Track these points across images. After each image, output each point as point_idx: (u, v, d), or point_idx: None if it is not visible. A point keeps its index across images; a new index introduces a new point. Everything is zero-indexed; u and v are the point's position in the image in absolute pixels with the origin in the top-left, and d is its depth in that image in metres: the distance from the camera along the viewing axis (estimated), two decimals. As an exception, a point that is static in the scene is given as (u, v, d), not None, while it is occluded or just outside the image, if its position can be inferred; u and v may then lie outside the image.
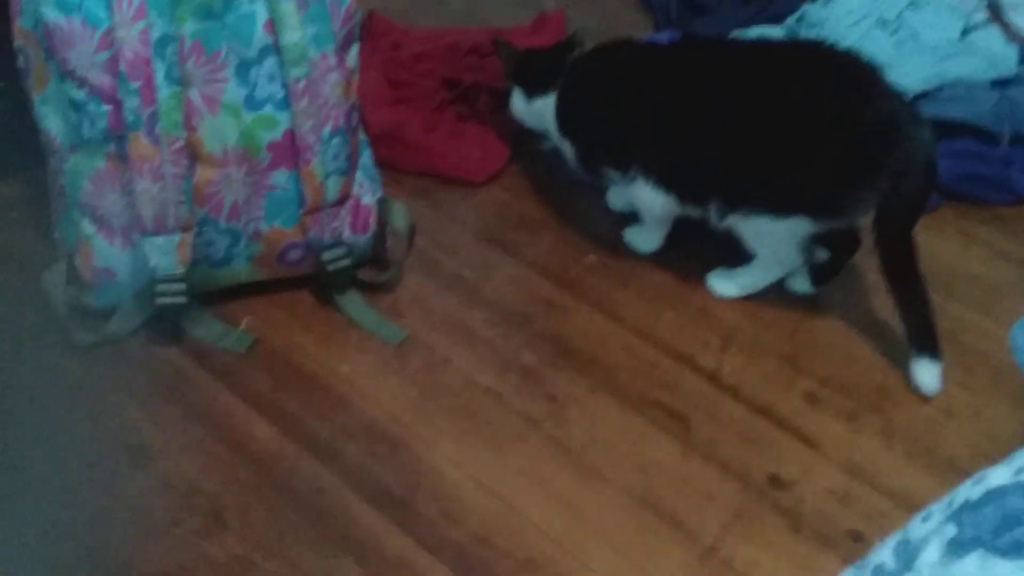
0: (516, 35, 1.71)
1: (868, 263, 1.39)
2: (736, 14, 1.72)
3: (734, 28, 1.67)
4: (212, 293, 1.28)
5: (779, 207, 1.25)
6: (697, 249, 1.40)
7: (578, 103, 1.38)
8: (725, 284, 1.37)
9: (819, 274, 1.36)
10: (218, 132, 1.17)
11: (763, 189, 1.25)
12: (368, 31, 1.68)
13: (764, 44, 1.46)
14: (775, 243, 1.30)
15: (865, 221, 1.26)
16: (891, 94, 1.23)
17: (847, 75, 1.24)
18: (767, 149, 1.23)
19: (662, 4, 1.80)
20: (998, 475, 0.62)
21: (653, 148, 1.30)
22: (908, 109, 1.24)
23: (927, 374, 1.25)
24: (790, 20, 1.70)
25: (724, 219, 1.29)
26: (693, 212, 1.33)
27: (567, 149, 1.41)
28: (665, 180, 1.31)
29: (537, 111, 1.43)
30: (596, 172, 1.40)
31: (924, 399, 1.26)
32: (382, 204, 1.33)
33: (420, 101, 1.59)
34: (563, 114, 1.39)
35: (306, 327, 1.29)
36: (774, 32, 1.67)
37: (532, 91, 1.42)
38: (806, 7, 1.71)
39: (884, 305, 1.37)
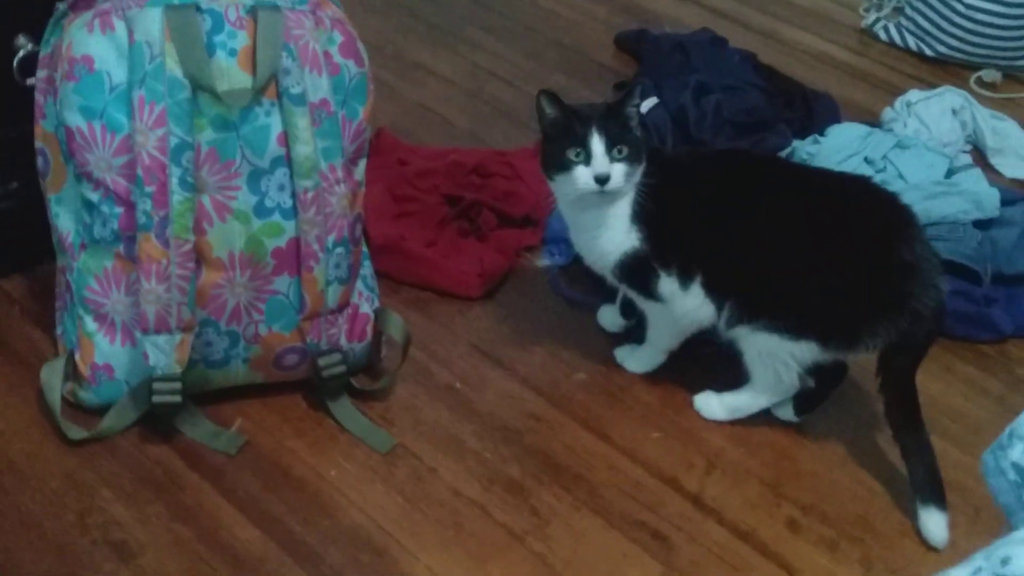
0: (518, 157, 1.78)
1: (852, 393, 1.42)
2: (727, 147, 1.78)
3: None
4: (206, 394, 1.30)
5: (794, 327, 1.27)
6: (685, 370, 1.43)
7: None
8: (713, 406, 1.40)
9: (803, 403, 1.39)
10: (226, 237, 1.21)
11: (784, 304, 1.27)
12: (376, 147, 1.74)
13: (815, 171, 1.48)
14: (777, 366, 1.32)
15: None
16: (924, 239, 1.28)
17: (888, 213, 1.29)
18: (799, 266, 1.26)
19: (659, 133, 1.87)
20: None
21: (698, 242, 1.30)
22: (936, 256, 1.28)
23: (935, 525, 1.25)
24: (781, 156, 1.77)
25: (734, 327, 1.30)
26: (707, 317, 1.33)
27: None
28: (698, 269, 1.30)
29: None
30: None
31: (904, 532, 1.27)
32: (379, 314, 1.36)
33: (422, 216, 1.64)
34: None
35: (297, 431, 1.31)
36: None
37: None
38: (796, 143, 1.78)
39: (867, 436, 1.39)
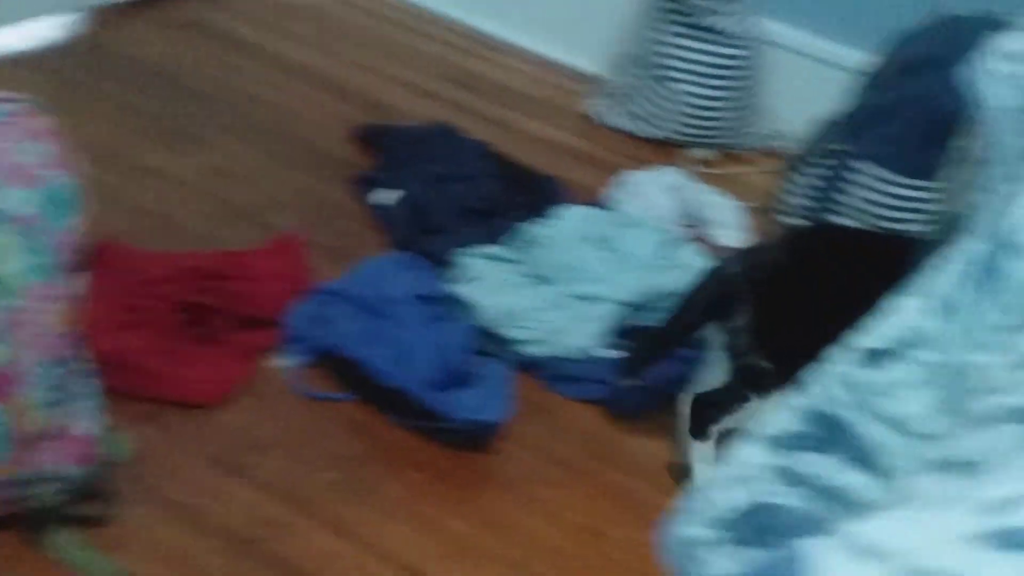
0: (256, 257, 1.76)
1: (595, 468, 1.46)
2: (464, 234, 1.83)
3: (461, 246, 1.79)
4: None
5: None
6: (432, 464, 1.43)
7: None
8: None
9: None
10: (-86, 369, 1.13)
11: None
12: (101, 258, 1.67)
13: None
14: None
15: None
16: None
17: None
18: None
19: (397, 224, 1.90)
20: None
21: None
22: None
23: None
24: (509, 240, 1.83)
25: None
26: None
27: None
28: None
29: None
30: None
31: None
32: (104, 433, 1.30)
33: (153, 325, 1.58)
34: None
35: (9, 570, 1.22)
36: (496, 251, 1.79)
37: None
38: (525, 227, 1.84)
39: (612, 511, 1.43)
